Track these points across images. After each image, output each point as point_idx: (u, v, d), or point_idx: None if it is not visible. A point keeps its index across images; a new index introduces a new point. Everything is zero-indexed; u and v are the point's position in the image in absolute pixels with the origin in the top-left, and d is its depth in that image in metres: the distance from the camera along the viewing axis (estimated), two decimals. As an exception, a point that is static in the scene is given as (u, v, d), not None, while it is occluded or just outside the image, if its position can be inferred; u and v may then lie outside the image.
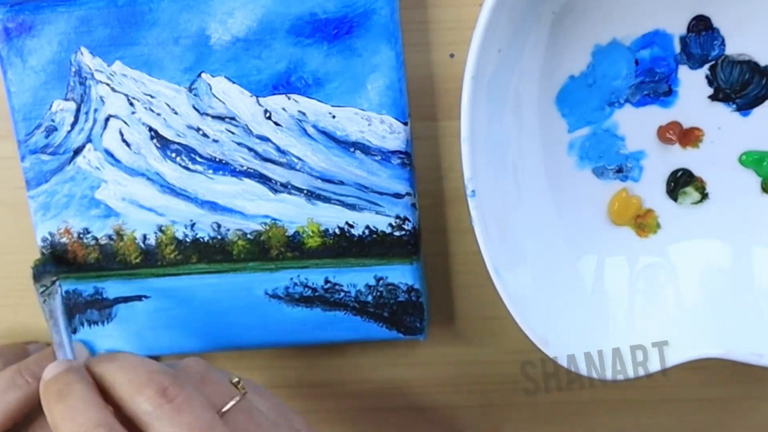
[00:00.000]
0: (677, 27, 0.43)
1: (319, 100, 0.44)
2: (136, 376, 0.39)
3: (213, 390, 0.40)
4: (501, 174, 0.43)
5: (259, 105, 0.45)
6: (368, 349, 0.51)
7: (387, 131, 0.44)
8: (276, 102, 0.44)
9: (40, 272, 0.45)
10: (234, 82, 0.44)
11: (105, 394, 0.39)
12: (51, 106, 0.45)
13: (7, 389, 0.44)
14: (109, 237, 0.46)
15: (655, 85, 0.45)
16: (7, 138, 0.47)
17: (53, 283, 0.45)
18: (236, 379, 0.41)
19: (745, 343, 0.43)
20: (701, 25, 0.43)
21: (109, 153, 0.46)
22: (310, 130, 0.45)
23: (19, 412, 0.44)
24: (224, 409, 0.39)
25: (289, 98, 0.44)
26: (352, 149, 0.45)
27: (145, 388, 0.38)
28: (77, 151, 0.46)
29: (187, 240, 0.46)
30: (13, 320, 0.51)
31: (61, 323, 0.44)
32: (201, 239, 0.46)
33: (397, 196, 0.45)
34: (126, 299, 0.47)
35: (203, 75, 0.44)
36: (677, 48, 0.44)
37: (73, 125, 0.45)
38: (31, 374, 0.45)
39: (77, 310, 0.48)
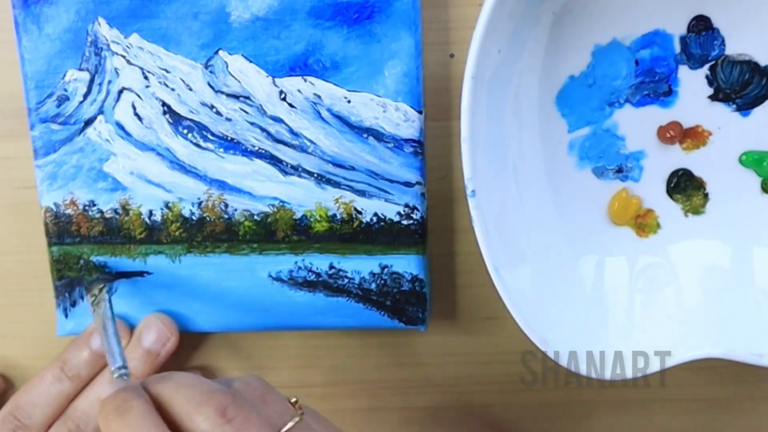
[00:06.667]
0: (677, 27, 0.44)
1: (335, 84, 0.44)
2: (194, 394, 0.38)
3: (272, 410, 0.39)
4: (501, 174, 0.44)
5: (275, 86, 0.45)
6: (369, 349, 0.51)
7: (401, 119, 0.44)
8: (292, 83, 0.44)
9: (90, 283, 0.46)
10: (251, 61, 0.44)
11: (161, 413, 0.38)
12: (64, 75, 0.45)
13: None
14: (115, 211, 0.46)
15: (655, 85, 0.45)
16: (7, 138, 0.47)
17: (101, 290, 0.45)
18: (294, 400, 0.41)
19: (745, 343, 0.43)
20: (701, 25, 0.44)
21: (120, 126, 0.45)
22: (325, 114, 0.45)
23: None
24: (283, 430, 0.38)
25: (305, 80, 0.44)
26: (365, 135, 0.45)
27: (204, 407, 0.37)
28: (88, 123, 0.45)
29: (194, 218, 0.46)
30: (13, 320, 0.51)
31: (109, 329, 0.43)
32: (207, 218, 0.46)
33: (408, 184, 0.45)
34: (128, 274, 0.47)
35: (220, 52, 0.44)
36: (677, 48, 0.44)
37: (85, 96, 0.45)
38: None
39: (78, 283, 0.47)
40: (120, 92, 0.45)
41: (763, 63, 0.44)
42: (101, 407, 0.39)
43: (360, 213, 0.46)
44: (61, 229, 0.46)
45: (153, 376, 0.41)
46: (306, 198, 0.46)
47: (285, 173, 0.46)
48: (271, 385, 0.41)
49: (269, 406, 0.39)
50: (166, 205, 0.46)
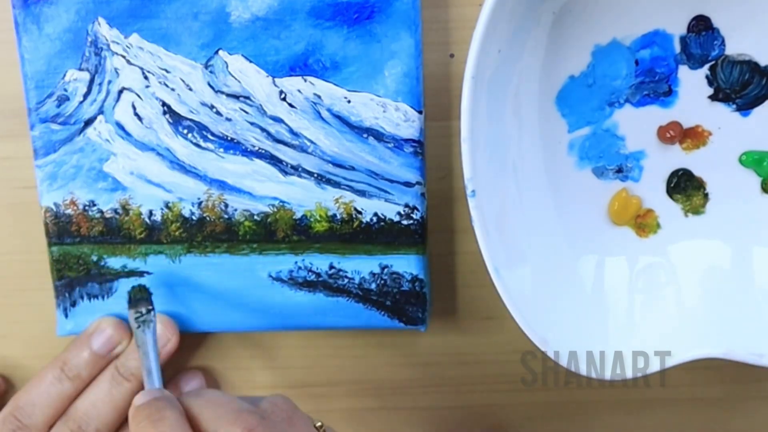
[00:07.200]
0: (677, 27, 0.44)
1: (335, 84, 0.44)
2: (224, 413, 0.38)
3: None
4: (501, 174, 0.44)
5: (275, 86, 0.45)
6: (369, 349, 0.51)
7: (401, 119, 0.45)
8: (292, 83, 0.45)
9: (136, 299, 0.45)
10: (251, 61, 0.44)
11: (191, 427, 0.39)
12: (64, 75, 0.45)
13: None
14: (115, 211, 0.46)
15: (655, 85, 0.45)
16: (7, 138, 0.47)
17: (149, 311, 0.44)
18: (319, 424, 0.41)
19: (745, 343, 0.44)
20: (701, 25, 0.44)
21: (120, 126, 0.45)
22: (325, 114, 0.45)
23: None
24: None
25: (305, 80, 0.44)
26: (365, 135, 0.45)
27: (232, 427, 0.37)
28: (88, 123, 0.45)
29: (194, 218, 0.46)
30: (13, 320, 0.51)
31: (151, 353, 0.43)
32: (207, 218, 0.46)
33: (408, 184, 0.45)
34: (128, 274, 0.47)
35: (220, 52, 0.44)
36: (677, 48, 0.44)
37: (85, 96, 0.45)
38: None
39: (78, 283, 0.47)
40: (120, 92, 0.45)
41: (763, 63, 0.44)
42: (134, 413, 0.39)
43: (360, 213, 0.46)
44: (61, 229, 0.46)
45: (187, 392, 0.41)
46: (306, 198, 0.46)
47: (285, 173, 0.46)
48: (297, 407, 0.41)
49: (295, 428, 0.40)
50: (166, 205, 0.46)
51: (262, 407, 0.40)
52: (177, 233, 0.46)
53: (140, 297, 0.45)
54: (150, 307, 0.44)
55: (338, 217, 0.46)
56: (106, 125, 0.45)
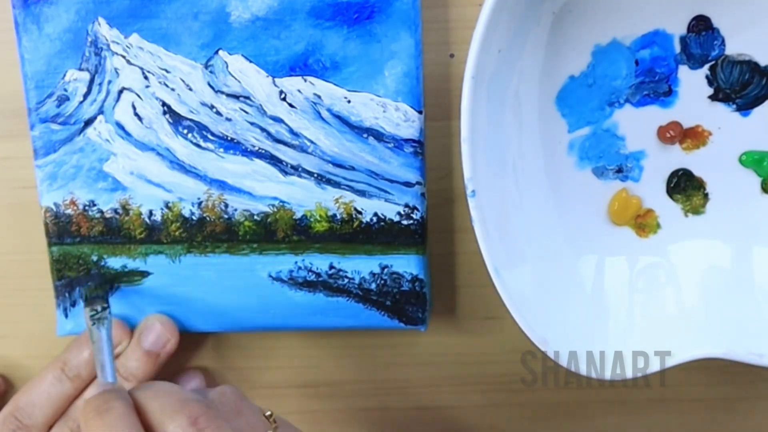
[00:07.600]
0: (677, 27, 0.44)
1: (335, 84, 0.44)
2: (169, 403, 0.39)
3: (245, 422, 0.40)
4: (501, 174, 0.44)
5: (275, 86, 0.45)
6: (369, 349, 0.51)
7: (401, 119, 0.45)
8: (292, 83, 0.45)
9: (92, 297, 0.46)
10: (251, 61, 0.44)
11: (140, 419, 0.39)
12: (64, 75, 0.45)
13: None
14: (115, 211, 0.46)
15: (655, 85, 0.45)
16: (7, 138, 0.47)
17: (104, 309, 0.45)
18: (269, 413, 0.41)
19: (745, 343, 0.44)
20: (701, 25, 0.44)
21: (120, 126, 0.45)
22: (325, 114, 0.45)
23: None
24: None
25: (305, 80, 0.44)
26: (365, 135, 0.45)
27: (177, 416, 0.38)
28: (88, 123, 0.45)
29: (194, 218, 0.46)
30: (13, 320, 0.51)
31: (105, 349, 0.44)
32: (207, 218, 0.46)
33: (408, 184, 0.45)
34: (128, 274, 0.47)
35: (220, 52, 0.44)
36: (677, 48, 0.44)
37: (85, 96, 0.45)
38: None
39: (78, 283, 0.47)
40: (120, 92, 0.45)
41: (763, 63, 0.44)
42: (84, 406, 0.40)
43: (360, 213, 0.46)
44: (61, 229, 0.46)
45: (137, 385, 0.41)
46: (306, 198, 0.46)
47: (285, 173, 0.46)
48: (246, 397, 0.42)
49: (243, 417, 0.40)
50: (166, 205, 0.46)
51: (209, 397, 0.41)
52: (177, 233, 0.46)
53: (95, 295, 0.46)
54: (105, 305, 0.45)
55: (338, 217, 0.46)
56: (106, 125, 0.45)
